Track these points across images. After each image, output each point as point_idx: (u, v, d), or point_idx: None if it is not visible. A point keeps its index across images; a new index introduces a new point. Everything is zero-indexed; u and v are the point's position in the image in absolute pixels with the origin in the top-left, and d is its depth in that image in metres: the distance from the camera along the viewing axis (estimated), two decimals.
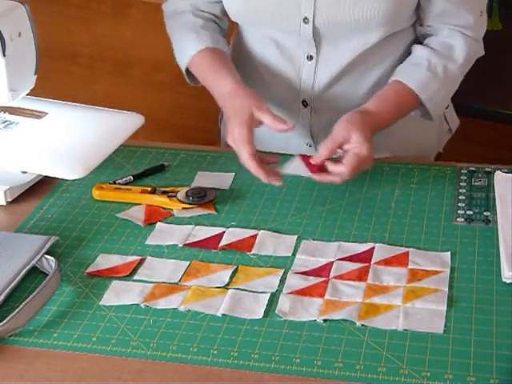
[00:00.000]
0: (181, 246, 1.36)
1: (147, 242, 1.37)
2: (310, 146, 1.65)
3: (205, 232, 1.39)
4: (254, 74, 1.63)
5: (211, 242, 1.36)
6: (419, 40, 1.58)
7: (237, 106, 1.46)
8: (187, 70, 1.61)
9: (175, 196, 1.46)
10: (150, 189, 1.49)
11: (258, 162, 1.39)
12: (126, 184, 1.52)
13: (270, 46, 1.57)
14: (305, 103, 1.58)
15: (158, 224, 1.42)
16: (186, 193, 1.46)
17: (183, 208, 1.45)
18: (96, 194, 1.49)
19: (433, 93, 1.50)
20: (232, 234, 1.37)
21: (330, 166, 1.38)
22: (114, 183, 1.52)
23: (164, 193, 1.47)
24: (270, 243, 1.35)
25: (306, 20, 1.48)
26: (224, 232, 1.38)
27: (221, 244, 1.35)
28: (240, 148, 1.41)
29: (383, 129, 1.48)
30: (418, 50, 1.54)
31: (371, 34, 1.50)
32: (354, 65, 1.54)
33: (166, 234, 1.39)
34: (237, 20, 1.59)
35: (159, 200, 1.46)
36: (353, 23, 1.47)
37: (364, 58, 1.54)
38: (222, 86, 1.51)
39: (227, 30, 1.68)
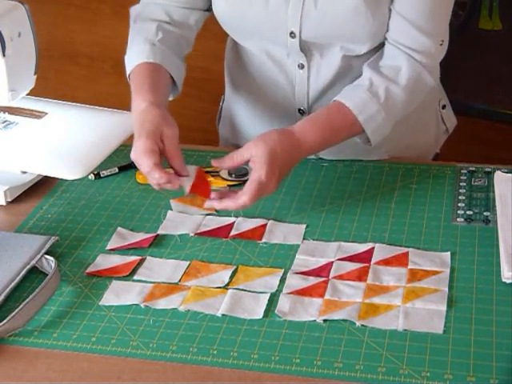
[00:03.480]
0: (192, 235, 1.37)
1: (159, 232, 1.38)
2: None
3: (215, 222, 1.40)
4: (250, 83, 1.63)
5: (222, 232, 1.38)
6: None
7: (147, 121, 1.36)
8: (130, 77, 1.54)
9: (218, 175, 1.49)
10: None
11: (163, 171, 1.30)
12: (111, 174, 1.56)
13: (260, 55, 1.56)
14: (301, 111, 1.58)
15: (169, 213, 1.43)
16: (229, 171, 1.49)
17: (228, 185, 1.48)
18: (140, 177, 1.52)
19: (372, 114, 1.43)
20: (242, 224, 1.39)
21: (232, 194, 1.34)
22: (98, 175, 1.54)
23: (207, 173, 1.47)
24: (280, 232, 1.37)
25: (292, 34, 1.47)
26: (234, 222, 1.40)
27: (231, 233, 1.37)
28: (141, 158, 1.30)
29: (314, 150, 1.43)
30: (364, 71, 1.48)
31: (360, 45, 1.48)
32: (346, 71, 1.52)
33: (177, 224, 1.40)
34: (226, 28, 1.57)
35: None
36: (340, 38, 1.46)
37: (356, 64, 1.51)
38: (141, 101, 1.40)
39: (193, 42, 1.61)
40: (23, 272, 1.26)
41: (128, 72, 1.52)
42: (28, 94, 1.60)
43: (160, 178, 1.30)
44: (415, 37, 1.45)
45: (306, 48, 1.50)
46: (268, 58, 1.55)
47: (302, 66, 1.53)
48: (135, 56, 1.51)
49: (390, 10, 1.45)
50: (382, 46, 1.50)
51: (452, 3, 1.48)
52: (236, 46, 1.63)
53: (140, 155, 1.31)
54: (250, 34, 1.53)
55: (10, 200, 1.49)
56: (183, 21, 1.57)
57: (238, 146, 1.70)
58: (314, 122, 1.43)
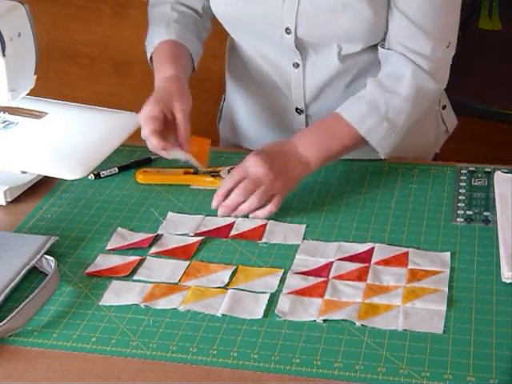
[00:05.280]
0: (192, 235, 1.37)
1: (159, 232, 1.38)
2: None
3: (215, 222, 1.40)
4: (249, 82, 1.63)
5: (222, 231, 1.38)
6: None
7: (162, 90, 1.46)
8: (152, 60, 1.61)
9: (218, 175, 1.50)
10: (192, 170, 1.53)
11: (160, 139, 1.39)
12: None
13: (255, 55, 1.57)
14: (299, 111, 1.58)
15: (169, 214, 1.43)
16: (229, 171, 1.50)
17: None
18: (140, 177, 1.53)
19: (372, 126, 1.43)
20: (242, 224, 1.39)
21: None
22: (98, 175, 1.54)
23: (206, 173, 1.51)
24: (280, 232, 1.37)
25: (288, 30, 1.47)
26: (234, 222, 1.40)
27: (231, 233, 1.37)
28: (143, 123, 1.40)
29: (316, 150, 1.42)
30: (367, 81, 1.47)
31: (356, 44, 1.47)
32: (343, 70, 1.51)
33: (177, 224, 1.40)
34: (221, 22, 1.58)
35: (204, 180, 1.50)
36: (335, 36, 1.46)
37: (354, 63, 1.51)
38: (161, 72, 1.51)
39: (210, 28, 1.67)
40: (23, 272, 1.26)
41: (149, 55, 1.59)
42: (28, 94, 1.60)
43: (155, 144, 1.39)
44: (421, 40, 1.43)
45: (301, 46, 1.49)
46: (261, 58, 1.56)
47: (297, 65, 1.53)
48: (153, 38, 1.58)
49: (390, 8, 1.43)
50: (380, 41, 1.48)
51: (459, 4, 1.46)
52: (234, 44, 1.63)
53: (143, 120, 1.40)
54: (245, 30, 1.54)
55: (9, 200, 1.49)
56: (193, 5, 1.63)
57: (238, 146, 1.71)
58: (311, 126, 1.45)
